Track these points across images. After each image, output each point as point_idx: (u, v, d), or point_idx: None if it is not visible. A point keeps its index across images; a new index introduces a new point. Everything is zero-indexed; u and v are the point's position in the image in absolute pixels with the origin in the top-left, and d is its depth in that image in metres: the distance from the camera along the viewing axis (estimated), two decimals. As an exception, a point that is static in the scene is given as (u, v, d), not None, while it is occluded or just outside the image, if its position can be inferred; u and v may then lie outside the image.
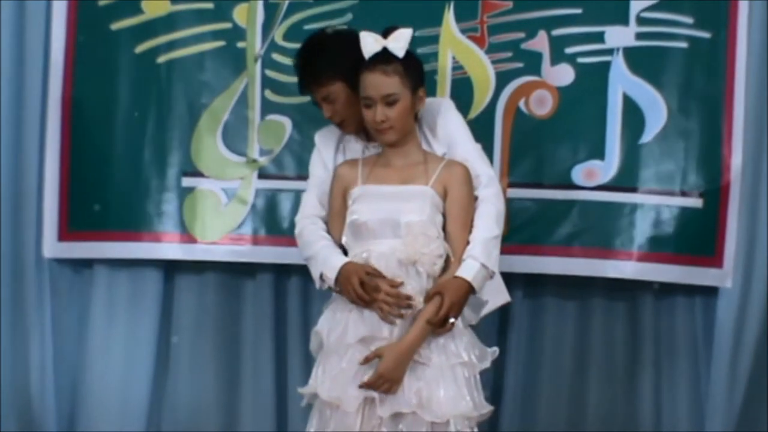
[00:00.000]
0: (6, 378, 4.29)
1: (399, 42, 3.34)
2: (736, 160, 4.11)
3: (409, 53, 3.37)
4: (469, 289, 3.30)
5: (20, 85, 4.28)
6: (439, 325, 3.27)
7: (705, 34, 4.11)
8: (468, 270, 3.30)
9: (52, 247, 4.24)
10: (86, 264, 4.32)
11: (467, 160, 3.46)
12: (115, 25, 4.21)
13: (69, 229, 4.23)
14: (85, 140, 4.22)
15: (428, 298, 3.27)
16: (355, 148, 3.60)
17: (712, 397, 4.22)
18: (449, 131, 3.54)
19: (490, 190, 3.43)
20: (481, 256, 3.31)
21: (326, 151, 3.63)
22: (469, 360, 3.28)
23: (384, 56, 3.33)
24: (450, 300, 3.26)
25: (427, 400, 3.22)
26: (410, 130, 3.41)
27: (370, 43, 3.36)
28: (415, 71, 3.39)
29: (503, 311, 4.00)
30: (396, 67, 3.33)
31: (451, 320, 3.27)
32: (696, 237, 4.13)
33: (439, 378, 3.24)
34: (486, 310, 3.59)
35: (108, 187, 4.22)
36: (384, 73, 3.33)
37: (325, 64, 3.50)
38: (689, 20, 4.10)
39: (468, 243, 3.34)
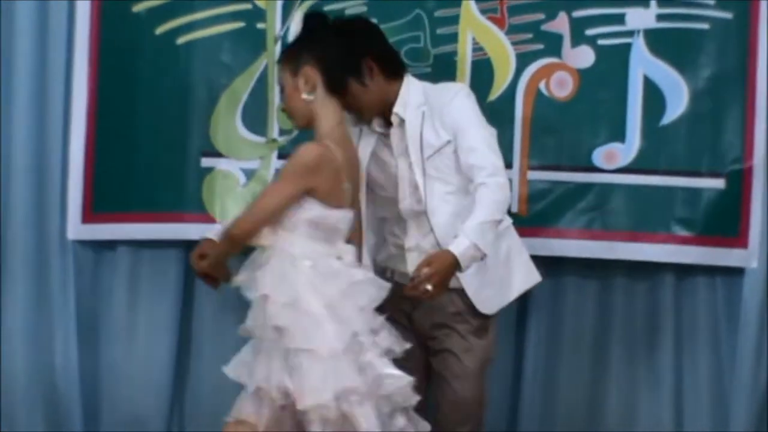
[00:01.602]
0: (31, 358, 4.32)
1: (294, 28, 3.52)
2: (759, 140, 4.10)
3: (307, 34, 3.48)
4: (455, 263, 3.38)
5: (44, 67, 4.28)
6: (413, 290, 3.39)
7: (727, 15, 4.08)
8: (458, 245, 3.39)
9: (76, 228, 4.25)
10: (109, 245, 4.33)
11: (474, 149, 3.50)
12: (137, 7, 4.21)
13: (93, 211, 4.24)
14: (109, 122, 4.22)
15: (420, 266, 3.39)
16: (368, 132, 3.68)
17: (738, 378, 4.20)
18: (456, 117, 3.57)
19: (494, 178, 3.48)
20: (473, 235, 3.39)
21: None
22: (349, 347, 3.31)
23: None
24: (433, 270, 3.36)
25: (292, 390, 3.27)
26: (312, 115, 3.45)
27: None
28: (296, 53, 3.46)
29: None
30: (282, 56, 3.52)
31: (428, 287, 3.36)
32: (719, 218, 4.11)
33: (302, 366, 3.28)
34: (517, 292, 3.72)
35: (131, 169, 4.23)
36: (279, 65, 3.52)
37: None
38: (710, 1, 4.07)
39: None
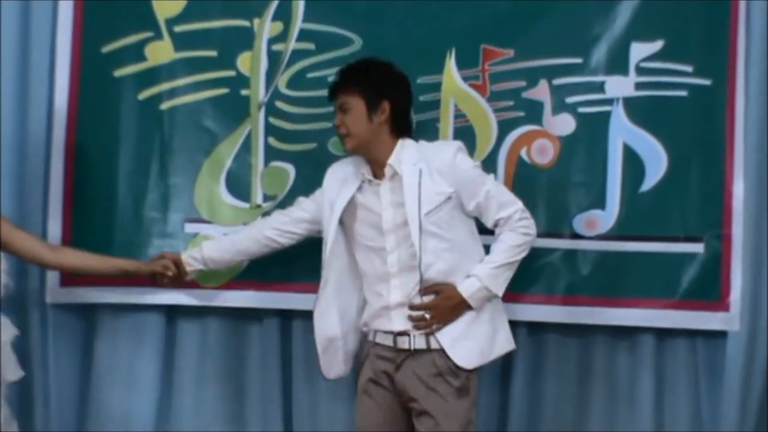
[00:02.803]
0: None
1: None
2: (737, 203, 4.13)
3: None
4: (462, 303, 3.62)
5: (24, 130, 4.28)
6: (416, 320, 3.65)
7: (705, 82, 4.13)
8: (468, 288, 3.64)
9: (54, 292, 4.24)
10: (89, 308, 4.32)
11: (496, 203, 3.68)
12: (119, 72, 4.23)
13: (72, 274, 4.21)
14: (87, 186, 4.23)
15: (426, 290, 3.64)
16: (353, 180, 3.79)
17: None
18: (463, 176, 3.69)
19: (520, 223, 3.69)
20: (486, 279, 3.64)
21: (328, 183, 3.87)
22: None
23: None
24: (438, 303, 3.65)
25: None
26: None
27: None
28: None
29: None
30: None
31: (429, 318, 3.63)
32: (700, 282, 4.13)
33: None
34: (497, 353, 3.76)
35: (111, 233, 4.22)
36: None
37: (354, 76, 3.72)
38: (689, 68, 4.12)
39: None
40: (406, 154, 3.71)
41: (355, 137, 3.72)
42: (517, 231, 3.66)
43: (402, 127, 3.76)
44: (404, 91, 3.80)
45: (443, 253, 3.66)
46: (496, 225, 3.69)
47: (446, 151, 3.72)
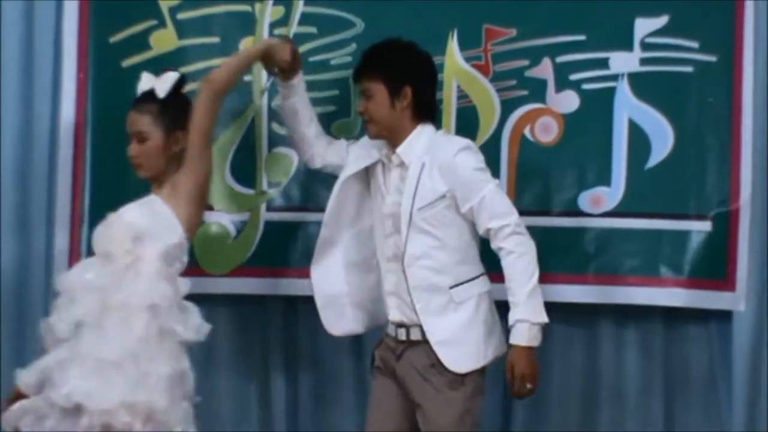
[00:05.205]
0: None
1: (163, 83, 3.58)
2: (745, 181, 4.10)
3: (176, 95, 3.59)
4: (530, 350, 3.50)
5: (29, 122, 4.29)
6: (519, 396, 3.57)
7: (711, 58, 4.10)
8: (520, 336, 3.50)
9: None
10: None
11: (488, 211, 3.53)
12: (126, 62, 4.22)
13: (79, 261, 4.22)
14: (96, 175, 4.22)
15: (508, 372, 3.53)
16: (374, 155, 3.76)
17: (736, 418, 4.18)
18: (460, 175, 3.58)
19: (516, 238, 3.53)
20: (527, 315, 3.50)
21: (354, 148, 3.87)
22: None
23: (147, 95, 3.58)
24: (520, 372, 3.51)
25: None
26: (163, 170, 3.60)
27: (143, 81, 3.64)
28: (174, 113, 3.57)
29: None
30: (151, 107, 3.56)
31: (528, 386, 3.52)
32: (706, 261, 4.09)
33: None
34: (492, 356, 3.66)
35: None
36: (138, 111, 3.57)
37: (376, 61, 3.67)
38: (694, 44, 4.09)
39: None
40: (418, 143, 3.65)
41: (378, 124, 3.67)
42: (512, 255, 3.51)
43: (425, 112, 3.69)
44: (427, 75, 3.73)
45: (433, 251, 3.59)
46: (486, 235, 3.58)
47: (450, 149, 3.61)
